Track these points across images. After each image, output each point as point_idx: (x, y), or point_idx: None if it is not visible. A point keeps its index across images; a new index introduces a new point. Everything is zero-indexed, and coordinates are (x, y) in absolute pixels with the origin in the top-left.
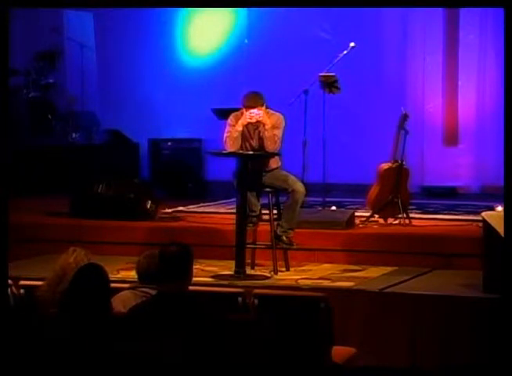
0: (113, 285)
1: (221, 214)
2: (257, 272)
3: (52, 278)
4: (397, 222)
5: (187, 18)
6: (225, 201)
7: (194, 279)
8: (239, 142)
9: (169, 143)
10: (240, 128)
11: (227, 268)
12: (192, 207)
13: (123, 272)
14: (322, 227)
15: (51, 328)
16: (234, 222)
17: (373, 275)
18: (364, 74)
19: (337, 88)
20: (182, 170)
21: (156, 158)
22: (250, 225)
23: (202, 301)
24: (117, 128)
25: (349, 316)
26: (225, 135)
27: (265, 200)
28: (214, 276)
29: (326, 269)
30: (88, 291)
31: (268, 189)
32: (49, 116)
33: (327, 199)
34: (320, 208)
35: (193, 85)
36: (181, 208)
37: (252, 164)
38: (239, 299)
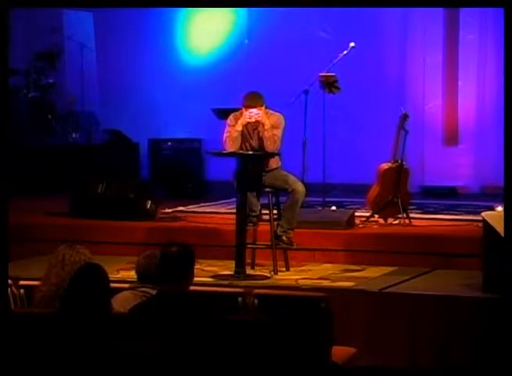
0: (113, 285)
1: (221, 214)
2: (257, 272)
3: (50, 279)
4: (397, 222)
5: (187, 18)
6: (225, 201)
7: (194, 279)
8: (239, 142)
9: (169, 143)
10: (240, 128)
11: (227, 268)
12: (192, 207)
13: (123, 272)
14: (322, 227)
15: (50, 328)
16: (234, 222)
17: (373, 275)
18: (364, 74)
19: (337, 88)
20: (182, 170)
21: (156, 158)
22: (250, 225)
23: (202, 301)
24: (117, 128)
25: (349, 316)
26: (225, 135)
27: (265, 200)
28: (214, 276)
29: (326, 269)
30: (88, 290)
31: (268, 189)
32: (49, 116)
33: (327, 199)
34: (320, 208)
35: (193, 85)
36: (181, 208)
37: (252, 164)
38: (239, 299)
